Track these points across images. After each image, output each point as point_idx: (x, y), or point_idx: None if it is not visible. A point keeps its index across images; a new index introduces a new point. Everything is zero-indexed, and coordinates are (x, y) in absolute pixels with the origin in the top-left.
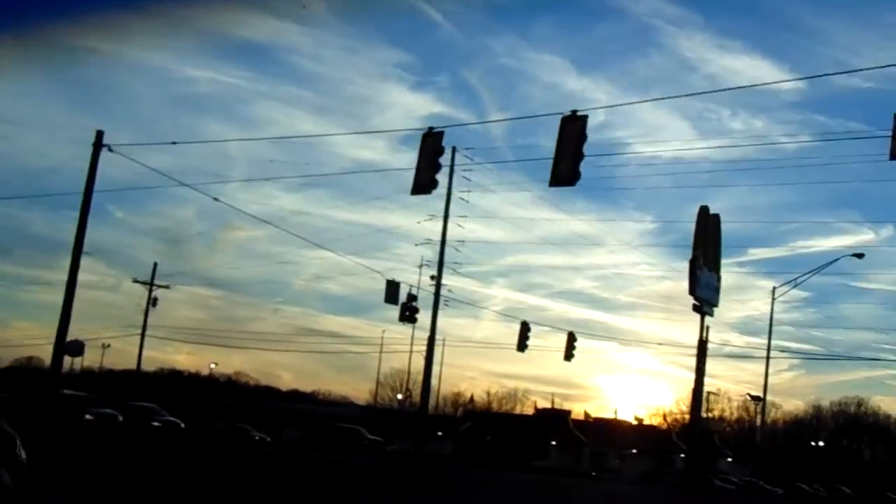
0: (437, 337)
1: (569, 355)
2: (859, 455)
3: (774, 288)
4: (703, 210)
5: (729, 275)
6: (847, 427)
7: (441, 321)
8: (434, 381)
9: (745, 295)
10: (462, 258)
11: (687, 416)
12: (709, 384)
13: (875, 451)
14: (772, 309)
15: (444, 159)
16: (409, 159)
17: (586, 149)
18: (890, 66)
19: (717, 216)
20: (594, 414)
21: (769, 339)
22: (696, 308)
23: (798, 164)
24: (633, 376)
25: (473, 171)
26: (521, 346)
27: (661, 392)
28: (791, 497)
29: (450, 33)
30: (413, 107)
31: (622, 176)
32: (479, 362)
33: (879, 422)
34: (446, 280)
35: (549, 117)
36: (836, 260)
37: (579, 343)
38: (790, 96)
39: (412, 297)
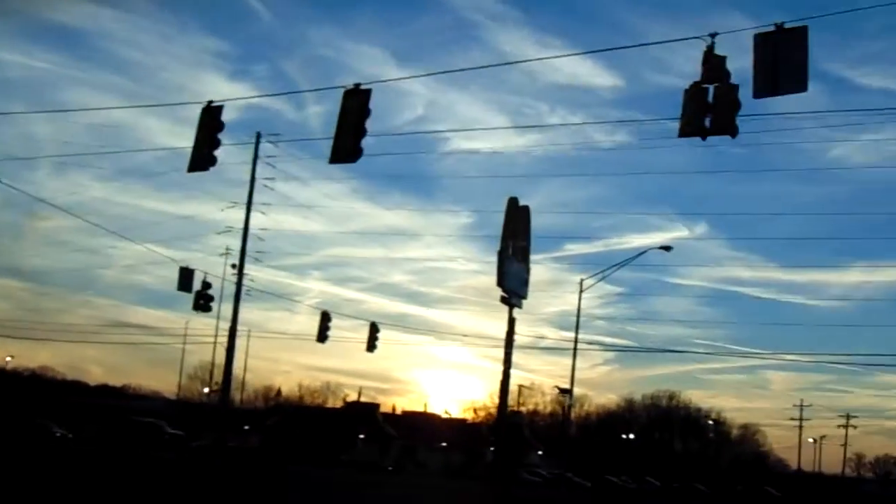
0: (242, 328)
1: (371, 346)
2: (671, 447)
3: (582, 280)
4: (513, 201)
5: (545, 269)
6: (659, 420)
7: (255, 314)
8: (246, 375)
9: (560, 289)
10: (278, 251)
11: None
12: (524, 378)
13: (686, 444)
14: (579, 301)
15: (248, 147)
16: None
17: (405, 140)
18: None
19: (526, 207)
20: (410, 408)
21: (576, 331)
22: (504, 300)
23: (614, 160)
24: (449, 370)
25: (293, 163)
26: (322, 337)
27: (475, 386)
28: (597, 490)
29: (269, 23)
30: (230, 96)
31: (440, 170)
32: (296, 356)
33: (690, 415)
34: (256, 272)
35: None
36: (643, 252)
37: (396, 337)
38: (607, 93)
39: (206, 286)
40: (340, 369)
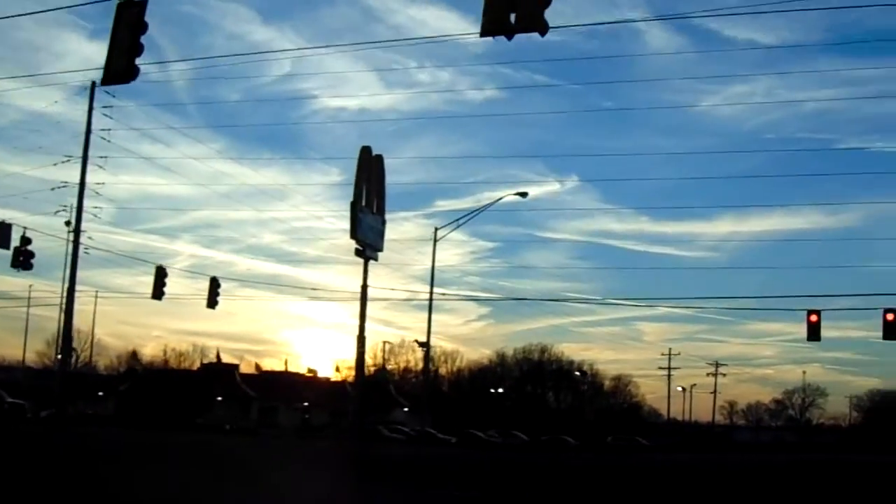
0: (88, 290)
1: (212, 302)
2: (543, 401)
3: (436, 229)
4: (365, 150)
5: (415, 226)
6: (531, 373)
7: (124, 278)
8: (108, 339)
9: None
10: (146, 215)
11: (370, 367)
12: (396, 335)
13: (559, 397)
14: (433, 251)
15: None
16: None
17: (271, 98)
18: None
19: (380, 157)
20: (281, 368)
21: (431, 283)
22: (358, 252)
23: (485, 116)
24: (323, 330)
25: (153, 125)
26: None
27: (349, 345)
28: (459, 445)
29: None
30: (91, 56)
31: (308, 128)
32: (168, 321)
33: (563, 367)
34: (126, 236)
35: (234, 68)
36: (500, 199)
37: (270, 297)
38: (476, 48)
39: (26, 241)
40: (214, 332)
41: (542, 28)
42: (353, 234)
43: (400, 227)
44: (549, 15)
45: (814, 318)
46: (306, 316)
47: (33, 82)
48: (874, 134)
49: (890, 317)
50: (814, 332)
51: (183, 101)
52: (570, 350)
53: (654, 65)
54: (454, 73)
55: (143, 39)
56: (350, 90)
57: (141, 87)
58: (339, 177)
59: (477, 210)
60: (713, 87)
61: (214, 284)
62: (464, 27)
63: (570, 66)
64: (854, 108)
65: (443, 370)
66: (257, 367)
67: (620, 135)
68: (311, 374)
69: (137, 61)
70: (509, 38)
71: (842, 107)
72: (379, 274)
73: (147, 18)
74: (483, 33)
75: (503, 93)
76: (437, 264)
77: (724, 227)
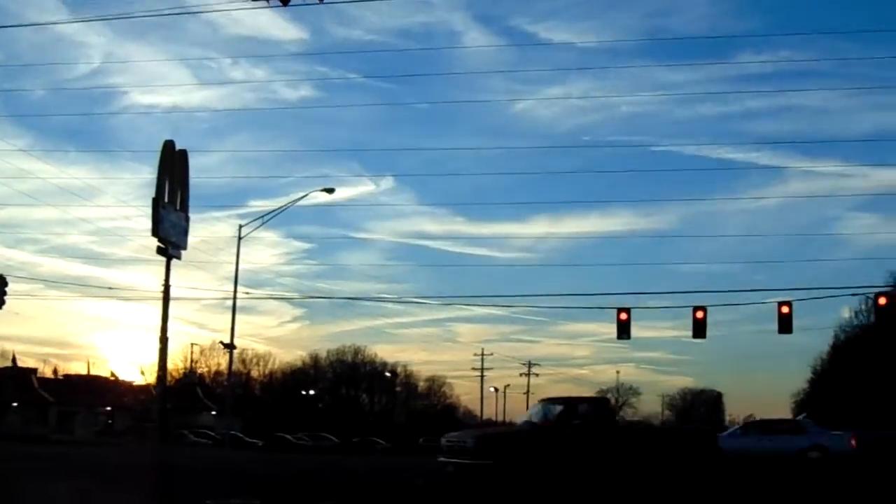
0: None
1: None
2: (357, 402)
3: (241, 226)
4: (168, 145)
5: (230, 227)
6: (345, 375)
7: None
8: None
9: (247, 247)
10: None
11: (179, 370)
12: (209, 337)
13: (374, 399)
14: (238, 247)
15: None
16: None
17: (80, 93)
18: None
19: (184, 152)
20: (90, 372)
21: (235, 282)
22: (160, 251)
23: (300, 115)
24: (133, 332)
25: None
26: None
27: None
28: (266, 448)
29: None
30: None
31: (118, 124)
32: None
33: (377, 369)
34: None
35: (40, 61)
36: (306, 195)
37: (76, 300)
38: (292, 46)
39: None
40: (16, 336)
41: None
42: (155, 231)
43: (213, 227)
44: (366, 13)
45: (623, 316)
46: (114, 318)
47: None
48: (686, 137)
49: (699, 315)
50: (623, 330)
51: None
52: (385, 351)
53: (472, 65)
54: (269, 70)
55: None
56: (162, 86)
57: None
58: (150, 175)
59: (283, 207)
60: (530, 88)
61: (0, 283)
62: (280, 25)
63: (386, 65)
64: (667, 112)
65: (255, 373)
66: (55, 371)
67: (437, 135)
68: (114, 378)
69: None
70: (284, 3)
71: (655, 110)
72: (191, 275)
73: None
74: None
75: (319, 91)
76: (251, 266)
77: (539, 227)
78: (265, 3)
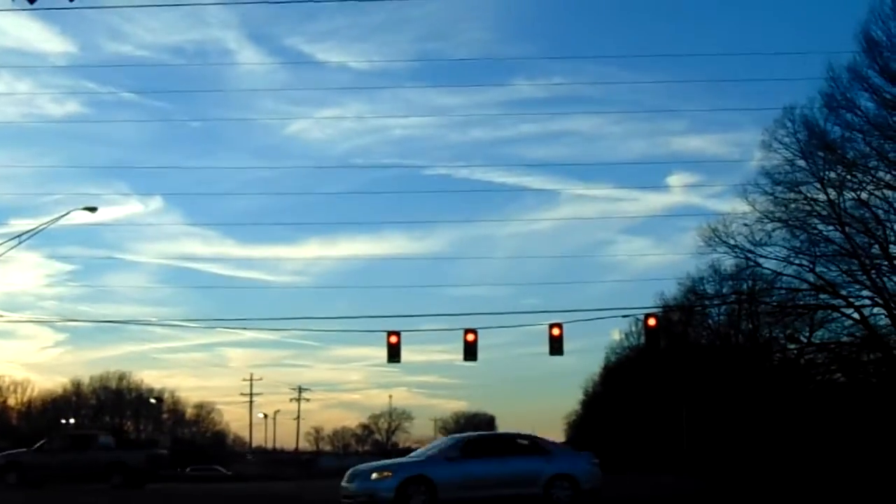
0: None
1: None
2: (122, 430)
3: None
4: None
5: None
6: (109, 402)
7: None
8: None
9: (4, 268)
10: None
11: None
12: None
13: (139, 426)
14: None
15: None
16: None
17: None
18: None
19: None
20: None
21: None
22: None
23: (65, 131)
24: None
25: None
26: None
27: None
28: None
29: None
30: None
31: None
32: None
33: (143, 396)
34: None
35: None
36: (66, 214)
37: None
38: (58, 60)
39: None
40: None
41: None
42: None
43: None
44: (138, 29)
45: (393, 339)
46: None
47: None
48: (458, 160)
49: (470, 337)
50: (394, 354)
51: None
52: (152, 377)
53: (245, 84)
54: (33, 84)
55: None
56: None
57: None
58: None
59: (40, 226)
60: (304, 110)
61: None
62: (47, 37)
63: (157, 82)
64: (440, 135)
65: (12, 401)
66: None
67: (208, 155)
68: None
69: None
70: (31, 0)
71: (429, 133)
72: None
73: None
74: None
75: (86, 107)
76: (10, 288)
77: (311, 250)
78: (10, 4)
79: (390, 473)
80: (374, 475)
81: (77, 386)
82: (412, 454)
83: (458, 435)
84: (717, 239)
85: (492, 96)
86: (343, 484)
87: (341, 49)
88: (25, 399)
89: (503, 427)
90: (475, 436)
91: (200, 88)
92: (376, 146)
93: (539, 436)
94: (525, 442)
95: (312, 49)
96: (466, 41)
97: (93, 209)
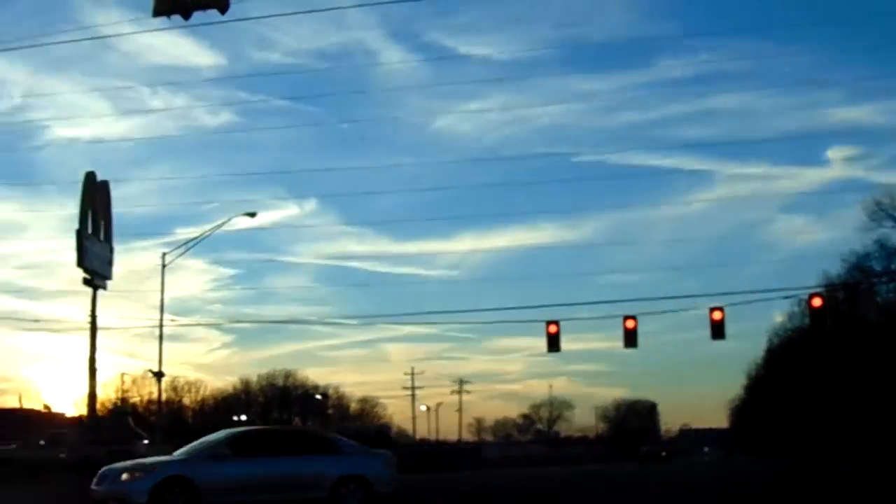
0: None
1: None
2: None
3: (164, 254)
4: (90, 176)
5: (156, 256)
6: (276, 399)
7: None
8: None
9: (173, 275)
10: None
11: (111, 400)
12: (141, 366)
13: (306, 422)
14: (162, 275)
15: None
16: None
17: (3, 132)
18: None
19: (105, 183)
20: (22, 405)
21: (161, 310)
22: (86, 282)
23: (221, 141)
24: (68, 365)
25: None
26: None
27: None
28: None
29: None
30: None
31: (42, 159)
32: None
33: (309, 392)
34: None
35: None
36: (227, 221)
37: (7, 334)
38: (210, 73)
39: None
40: None
41: (222, 4)
42: (80, 262)
43: (140, 257)
44: (282, 37)
45: (552, 328)
46: (44, 351)
47: None
48: (608, 145)
49: (629, 324)
50: (553, 343)
51: None
52: (316, 374)
53: (390, 82)
54: (188, 97)
55: None
56: (83, 118)
57: None
58: (76, 208)
59: (205, 233)
60: (449, 104)
61: None
62: (198, 52)
63: (305, 87)
64: (587, 121)
65: (187, 400)
66: None
67: (359, 155)
68: (47, 410)
69: None
70: (185, 17)
71: (576, 120)
72: (120, 305)
73: None
74: (156, 13)
75: (239, 116)
76: (178, 293)
77: (465, 243)
78: (167, 20)
79: (142, 474)
80: (124, 476)
81: (246, 384)
82: (179, 451)
83: (230, 429)
84: (882, 213)
85: (638, 78)
86: (92, 486)
87: (483, 41)
88: (199, 398)
89: (665, 414)
90: (249, 430)
91: (347, 90)
92: (524, 136)
93: (335, 434)
94: (311, 438)
95: (454, 43)
96: (608, 23)
97: (252, 214)
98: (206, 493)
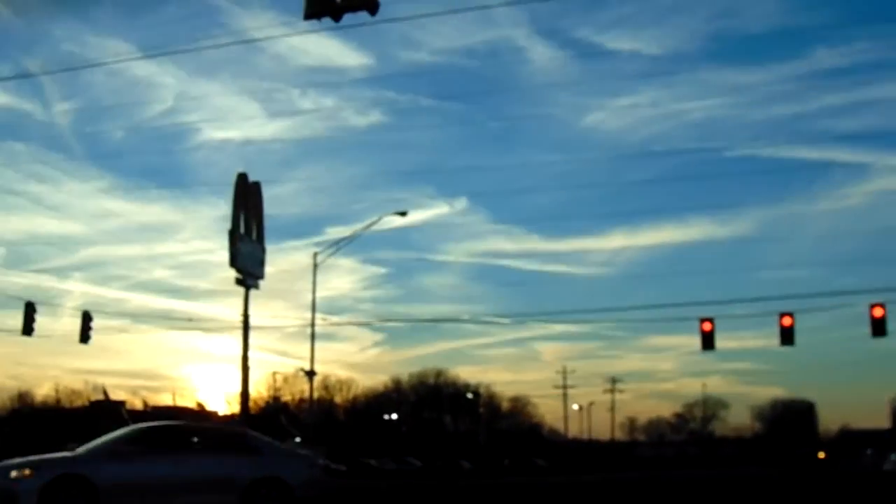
0: None
1: (84, 337)
2: (441, 425)
3: (316, 254)
4: (242, 177)
5: (307, 256)
6: (427, 398)
7: (13, 319)
8: (7, 382)
9: (325, 275)
10: (37, 254)
11: (263, 399)
12: (293, 365)
13: (457, 421)
14: (314, 274)
15: None
16: None
17: (155, 133)
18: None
19: (257, 183)
20: (181, 405)
21: (313, 309)
22: (239, 282)
23: (370, 140)
24: (220, 364)
25: (40, 165)
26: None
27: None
28: (350, 473)
29: (7, 19)
30: None
31: (194, 161)
32: (64, 360)
33: (459, 391)
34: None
35: (117, 104)
36: (378, 220)
37: (162, 333)
38: (358, 73)
39: None
40: (109, 370)
41: (373, 6)
42: (233, 262)
43: (291, 257)
44: (429, 35)
45: (707, 326)
46: (199, 350)
47: None
48: (761, 139)
49: (786, 321)
50: (708, 341)
51: (68, 140)
52: (467, 373)
53: (538, 80)
54: (337, 98)
55: (30, 81)
56: (234, 121)
57: (27, 127)
58: (227, 209)
59: (355, 233)
60: (598, 101)
61: (86, 319)
62: (346, 53)
63: (453, 85)
64: (740, 115)
65: (338, 398)
66: (144, 402)
67: (508, 153)
68: (200, 408)
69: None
70: (336, 19)
71: (728, 113)
72: (271, 304)
73: (29, 59)
74: (307, 16)
75: (387, 116)
76: (329, 293)
77: (615, 241)
78: (317, 23)
79: (32, 472)
80: (13, 473)
81: (397, 383)
82: (81, 448)
83: (136, 425)
84: None
85: (791, 69)
86: None
87: (631, 36)
88: (350, 397)
89: (823, 414)
90: (155, 426)
91: (495, 88)
92: (675, 131)
93: (251, 431)
94: (225, 436)
95: (602, 39)
96: (759, 15)
97: (403, 213)
98: (104, 494)
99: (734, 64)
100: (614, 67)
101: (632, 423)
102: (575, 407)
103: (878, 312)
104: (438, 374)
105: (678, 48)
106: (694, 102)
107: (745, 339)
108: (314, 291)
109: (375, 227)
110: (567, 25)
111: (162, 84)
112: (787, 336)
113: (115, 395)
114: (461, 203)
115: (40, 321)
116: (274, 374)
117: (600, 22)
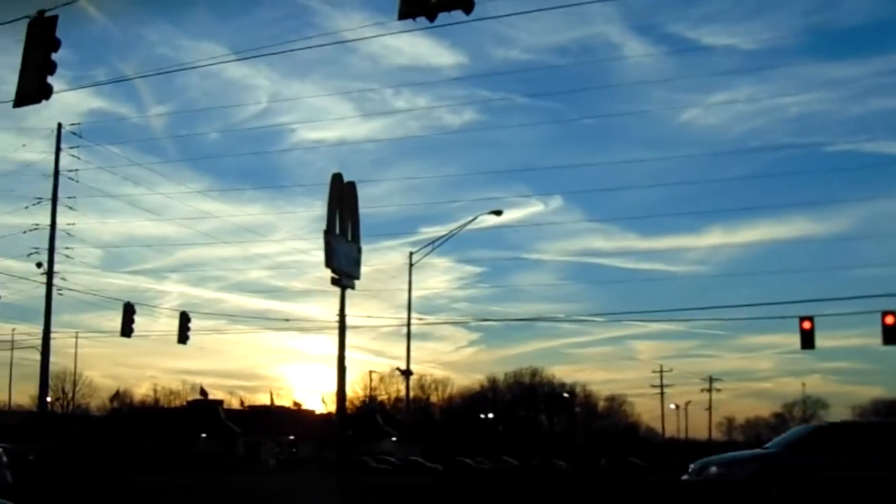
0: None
1: (182, 337)
2: (536, 424)
3: (411, 253)
4: (337, 177)
5: (402, 255)
6: (523, 397)
7: (112, 321)
8: (105, 381)
9: (420, 274)
10: (134, 256)
11: (359, 398)
12: (388, 365)
13: (552, 420)
14: (410, 274)
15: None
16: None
17: (250, 134)
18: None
19: (352, 183)
20: (274, 402)
21: (409, 308)
22: (334, 281)
23: (464, 139)
24: (316, 363)
25: (136, 167)
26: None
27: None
28: (446, 473)
29: (103, 24)
30: (71, 103)
31: (288, 161)
32: (161, 361)
33: (555, 390)
34: (116, 279)
35: (211, 106)
36: (474, 219)
37: (258, 333)
38: (452, 72)
39: None
40: (205, 370)
41: (467, 4)
42: (328, 262)
43: (385, 257)
44: (521, 33)
45: (807, 324)
46: (295, 349)
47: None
48: (862, 134)
49: (889, 320)
50: (808, 340)
51: (164, 142)
52: (563, 372)
53: (633, 76)
54: (431, 97)
55: (125, 84)
56: (327, 121)
57: (123, 130)
58: (322, 209)
59: (451, 232)
60: (694, 97)
61: (184, 319)
62: (438, 52)
63: (546, 83)
64: (839, 109)
65: (434, 397)
66: (241, 402)
67: (602, 151)
68: (297, 408)
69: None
70: (431, 18)
71: (826, 108)
72: (367, 304)
73: (124, 63)
74: (401, 16)
75: (481, 115)
76: (425, 292)
77: (712, 238)
78: (411, 23)
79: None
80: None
81: (493, 382)
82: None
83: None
84: None
85: (891, 62)
86: None
87: (727, 31)
88: (446, 396)
89: None
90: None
91: (589, 85)
92: (772, 127)
93: None
94: None
95: (697, 34)
96: (857, 7)
97: (499, 213)
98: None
99: (832, 58)
100: (710, 63)
101: (729, 423)
102: (672, 406)
103: None
104: (534, 373)
105: (774, 43)
106: (791, 97)
107: (846, 338)
108: (410, 291)
109: (470, 227)
110: (661, 21)
111: (256, 86)
112: (891, 335)
113: (213, 395)
114: (556, 201)
115: (138, 322)
116: (370, 373)
117: (695, 17)
